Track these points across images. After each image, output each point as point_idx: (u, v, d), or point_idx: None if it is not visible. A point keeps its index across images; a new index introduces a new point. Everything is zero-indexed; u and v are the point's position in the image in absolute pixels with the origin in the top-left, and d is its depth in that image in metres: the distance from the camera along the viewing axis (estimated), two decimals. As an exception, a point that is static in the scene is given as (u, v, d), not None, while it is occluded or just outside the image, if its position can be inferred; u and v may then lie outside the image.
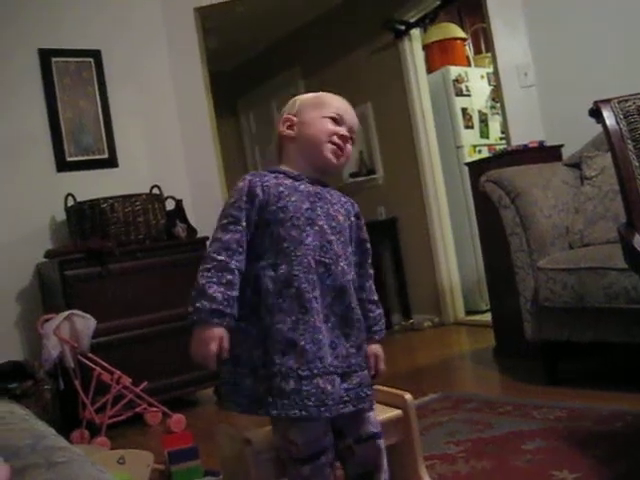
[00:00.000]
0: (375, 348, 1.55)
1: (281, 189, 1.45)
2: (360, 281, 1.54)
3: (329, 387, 1.37)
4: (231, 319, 1.35)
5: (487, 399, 2.61)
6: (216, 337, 1.34)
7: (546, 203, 2.78)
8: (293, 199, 1.44)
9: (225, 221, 1.42)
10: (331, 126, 1.50)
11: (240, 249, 1.39)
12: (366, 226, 1.61)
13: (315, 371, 1.36)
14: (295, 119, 1.54)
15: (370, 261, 1.59)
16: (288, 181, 1.48)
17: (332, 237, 1.44)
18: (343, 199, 1.56)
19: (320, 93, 1.60)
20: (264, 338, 1.38)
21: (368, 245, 1.59)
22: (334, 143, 1.50)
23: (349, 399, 1.41)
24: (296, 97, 1.62)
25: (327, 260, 1.42)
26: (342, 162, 1.52)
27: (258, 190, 1.44)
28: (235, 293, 1.36)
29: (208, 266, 1.37)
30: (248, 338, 1.40)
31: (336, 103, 1.55)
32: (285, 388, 1.34)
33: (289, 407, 1.34)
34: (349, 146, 1.53)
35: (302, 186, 1.48)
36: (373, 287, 1.58)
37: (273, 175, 1.49)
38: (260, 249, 1.42)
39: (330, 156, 1.50)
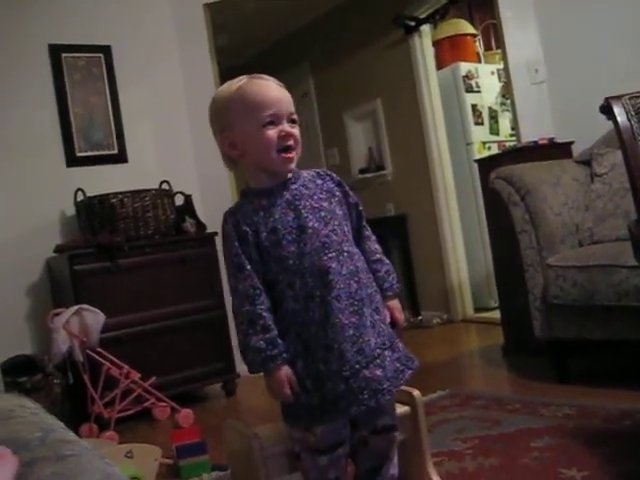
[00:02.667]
0: (391, 303, 1.54)
1: (262, 213, 1.42)
2: (360, 246, 1.52)
3: (379, 372, 1.39)
4: (281, 355, 1.38)
5: (495, 396, 2.60)
6: (282, 378, 1.38)
7: (556, 200, 2.77)
8: (277, 216, 1.41)
9: (233, 271, 1.43)
10: (272, 133, 1.40)
11: (258, 291, 1.39)
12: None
13: (357, 366, 1.37)
14: (232, 136, 1.44)
15: (365, 223, 1.56)
16: (263, 201, 1.43)
17: (326, 230, 1.42)
18: (319, 181, 1.50)
19: (240, 87, 1.44)
20: (302, 352, 1.40)
21: (360, 208, 1.55)
22: (282, 148, 1.41)
23: (404, 366, 1.45)
24: (214, 103, 1.48)
25: (333, 253, 1.41)
26: (296, 154, 1.45)
27: (244, 227, 1.41)
28: (274, 333, 1.38)
29: (240, 321, 1.41)
30: (289, 356, 1.41)
31: (265, 97, 1.41)
32: (337, 392, 1.37)
33: (347, 408, 1.37)
34: (295, 131, 1.44)
35: (277, 199, 1.43)
36: (375, 246, 1.55)
37: (247, 200, 1.46)
38: (271, 274, 1.42)
39: (284, 165, 1.43)
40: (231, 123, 1.44)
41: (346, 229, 1.47)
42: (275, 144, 1.40)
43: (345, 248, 1.44)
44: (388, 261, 1.56)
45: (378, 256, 1.54)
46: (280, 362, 1.37)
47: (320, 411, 1.38)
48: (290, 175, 1.47)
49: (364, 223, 1.56)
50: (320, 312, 1.38)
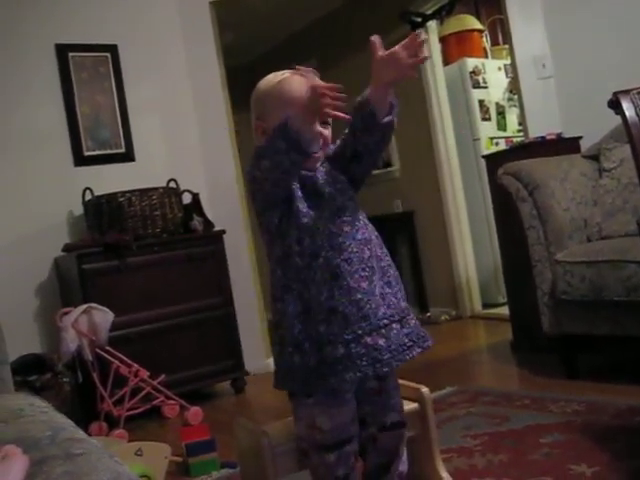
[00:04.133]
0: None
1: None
2: (341, 143, 1.50)
3: (381, 341, 1.37)
4: None
5: (504, 392, 2.60)
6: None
7: (564, 196, 2.76)
8: (296, 181, 1.42)
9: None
10: None
11: None
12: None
13: (360, 332, 1.36)
14: (264, 125, 1.46)
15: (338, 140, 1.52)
16: None
17: (342, 198, 1.44)
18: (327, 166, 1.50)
19: (281, 80, 1.46)
20: (302, 312, 1.39)
21: (336, 145, 1.52)
22: None
23: (414, 342, 1.42)
24: (256, 90, 1.51)
25: (349, 218, 1.42)
26: (324, 154, 1.47)
27: None
28: None
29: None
30: (286, 316, 1.40)
31: (300, 94, 1.39)
32: (336, 354, 1.35)
33: (344, 371, 1.34)
34: (326, 132, 1.46)
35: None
36: None
37: None
38: (285, 226, 1.42)
39: (311, 164, 1.44)
40: (266, 113, 1.47)
41: (356, 207, 1.47)
42: None
43: (360, 217, 1.45)
44: None
45: None
46: None
47: (315, 375, 1.36)
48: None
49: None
50: (324, 273, 1.37)
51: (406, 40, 1.38)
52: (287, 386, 1.43)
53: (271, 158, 1.34)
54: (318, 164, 1.47)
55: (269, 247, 1.47)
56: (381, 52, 1.39)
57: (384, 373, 1.40)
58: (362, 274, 1.38)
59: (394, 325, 1.40)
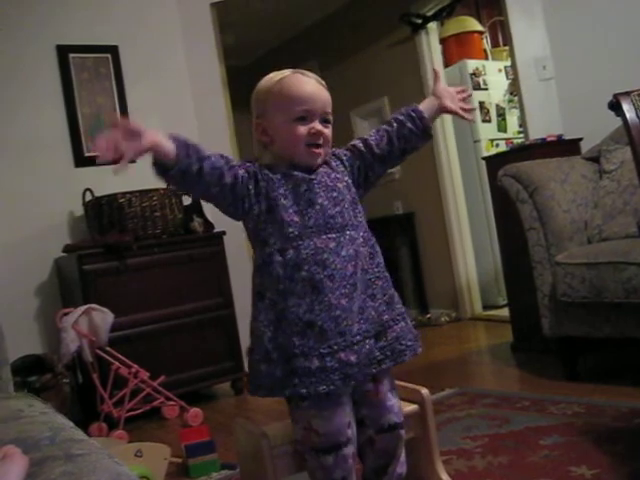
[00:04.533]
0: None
1: (278, 176, 1.43)
2: (372, 139, 1.55)
3: (352, 358, 1.38)
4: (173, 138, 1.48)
5: (504, 394, 2.60)
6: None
7: (564, 197, 2.76)
8: (290, 186, 1.43)
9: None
10: (303, 129, 1.43)
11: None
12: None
13: (336, 347, 1.37)
14: (265, 123, 1.47)
15: (358, 138, 1.57)
16: (282, 168, 1.45)
17: (334, 210, 1.43)
18: (334, 163, 1.51)
19: (281, 79, 1.47)
20: (274, 322, 1.40)
21: (356, 142, 1.56)
22: (309, 144, 1.44)
23: (386, 356, 1.44)
24: (257, 89, 1.51)
25: (334, 235, 1.42)
26: (325, 152, 1.47)
27: (260, 176, 1.44)
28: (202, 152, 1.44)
29: None
30: (256, 324, 1.43)
31: (301, 92, 1.44)
32: (310, 367, 1.36)
33: (317, 384, 1.36)
34: (328, 132, 1.47)
35: (295, 171, 1.44)
36: (381, 127, 1.58)
37: (265, 167, 1.47)
38: (264, 234, 1.43)
39: (310, 159, 1.45)
40: (266, 112, 1.47)
41: (352, 213, 1.47)
42: (304, 140, 1.43)
43: (348, 232, 1.44)
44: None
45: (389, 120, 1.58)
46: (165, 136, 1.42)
47: (282, 384, 1.38)
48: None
49: (367, 136, 1.57)
50: (305, 286, 1.38)
51: (459, 87, 1.64)
52: (256, 392, 1.44)
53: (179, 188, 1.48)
54: (318, 160, 1.46)
55: (253, 251, 1.50)
56: (443, 83, 1.62)
57: (350, 385, 1.41)
58: (343, 291, 1.40)
59: (367, 340, 1.41)
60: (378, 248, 1.51)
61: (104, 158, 1.34)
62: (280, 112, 1.44)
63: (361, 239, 1.47)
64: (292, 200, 1.42)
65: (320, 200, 1.43)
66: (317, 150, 1.45)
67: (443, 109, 1.60)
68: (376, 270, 1.47)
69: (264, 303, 1.42)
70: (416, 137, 1.56)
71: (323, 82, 1.51)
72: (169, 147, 1.41)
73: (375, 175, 1.57)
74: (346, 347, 1.38)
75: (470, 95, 1.65)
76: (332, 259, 1.40)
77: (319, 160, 1.47)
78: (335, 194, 1.45)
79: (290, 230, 1.40)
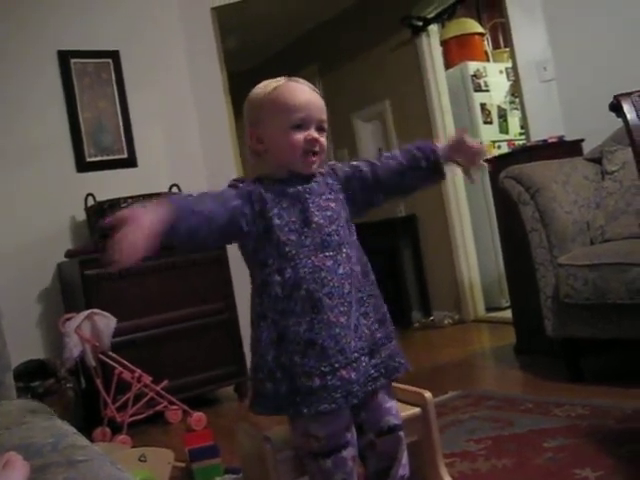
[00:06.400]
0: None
1: (272, 195, 1.42)
2: (381, 167, 1.52)
3: (353, 375, 1.39)
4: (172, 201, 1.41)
5: (508, 397, 2.59)
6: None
7: (566, 199, 2.75)
8: (285, 205, 1.42)
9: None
10: (298, 136, 1.42)
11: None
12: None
13: (337, 365, 1.38)
14: (259, 132, 1.47)
15: (365, 160, 1.55)
16: (276, 186, 1.44)
17: (330, 228, 1.44)
18: (330, 180, 1.50)
19: (276, 87, 1.46)
20: (276, 341, 1.40)
21: (357, 163, 1.55)
22: (306, 152, 1.44)
23: (380, 374, 1.45)
24: (250, 97, 1.50)
25: (331, 253, 1.42)
26: (319, 160, 1.47)
27: (254, 197, 1.42)
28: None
29: None
30: (259, 344, 1.43)
31: (297, 100, 1.43)
32: (312, 385, 1.37)
33: (318, 402, 1.36)
34: (322, 139, 1.46)
35: (289, 188, 1.44)
36: (391, 153, 1.56)
37: (260, 183, 1.45)
38: (262, 255, 1.43)
39: (306, 167, 1.46)
40: (261, 120, 1.47)
41: (348, 232, 1.48)
42: (300, 147, 1.43)
43: (344, 249, 1.45)
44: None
45: (404, 149, 1.55)
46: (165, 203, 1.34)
47: (287, 402, 1.39)
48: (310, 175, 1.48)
49: (366, 161, 1.55)
50: (304, 305, 1.39)
51: (476, 146, 1.54)
52: (262, 411, 1.45)
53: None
54: (314, 167, 1.46)
55: (250, 273, 1.49)
56: (469, 139, 1.53)
57: (353, 404, 1.41)
58: (341, 309, 1.40)
59: (362, 358, 1.42)
60: (370, 267, 1.51)
61: (126, 262, 1.22)
62: (276, 120, 1.44)
63: (355, 257, 1.47)
64: (287, 219, 1.42)
65: (316, 219, 1.43)
66: (313, 158, 1.45)
67: (454, 160, 1.56)
68: (369, 288, 1.48)
69: (267, 322, 1.42)
70: (427, 178, 1.54)
71: (317, 90, 1.51)
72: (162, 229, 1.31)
73: (369, 203, 1.55)
74: (347, 364, 1.39)
75: (484, 151, 1.58)
76: (330, 277, 1.40)
77: (314, 167, 1.47)
78: (329, 213, 1.45)
79: (287, 250, 1.40)
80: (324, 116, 1.48)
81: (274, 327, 1.41)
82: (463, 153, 1.54)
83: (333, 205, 1.47)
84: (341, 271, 1.42)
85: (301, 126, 1.43)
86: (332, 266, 1.41)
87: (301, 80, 1.50)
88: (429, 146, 1.54)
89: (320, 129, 1.46)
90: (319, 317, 1.39)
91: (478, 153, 1.54)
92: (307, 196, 1.44)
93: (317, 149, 1.45)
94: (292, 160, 1.45)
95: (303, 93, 1.46)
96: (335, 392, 1.37)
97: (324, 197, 1.47)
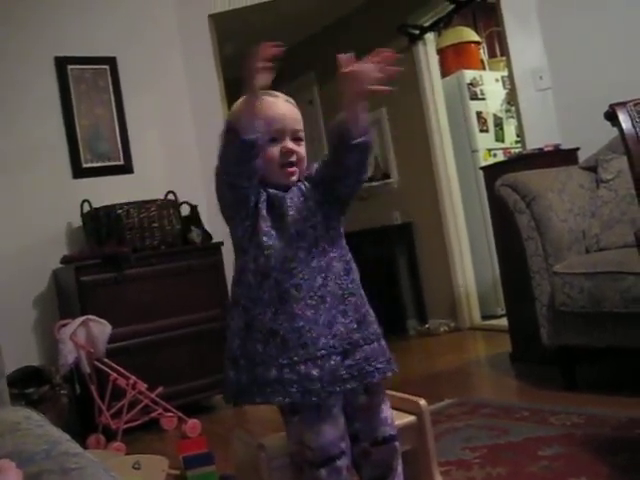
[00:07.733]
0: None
1: (260, 189, 1.45)
2: (326, 161, 1.49)
3: (314, 371, 1.37)
4: None
5: (503, 405, 2.59)
6: None
7: (562, 207, 2.76)
8: (262, 199, 1.44)
9: None
10: (275, 150, 1.44)
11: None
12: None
13: (296, 358, 1.37)
14: None
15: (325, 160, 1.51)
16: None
17: (305, 224, 1.44)
18: (304, 186, 1.49)
19: None
20: (243, 329, 1.42)
21: (318, 165, 1.51)
22: (284, 164, 1.45)
23: (352, 376, 1.41)
24: (230, 113, 1.50)
25: (305, 244, 1.43)
26: (300, 170, 1.48)
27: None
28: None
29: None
30: (229, 330, 1.45)
31: (269, 115, 1.43)
32: (268, 377, 1.37)
33: (272, 395, 1.37)
34: (301, 149, 1.48)
35: (269, 189, 1.46)
36: None
37: None
38: (246, 243, 1.45)
39: (285, 179, 1.47)
40: None
41: (325, 228, 1.46)
42: (277, 160, 1.45)
43: (321, 243, 1.45)
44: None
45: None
46: None
47: (246, 392, 1.40)
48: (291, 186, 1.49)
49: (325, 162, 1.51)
50: (272, 294, 1.40)
51: (371, 55, 1.44)
52: (225, 399, 1.47)
53: (221, 156, 1.38)
54: (293, 178, 1.47)
55: (235, 261, 1.51)
56: (346, 68, 1.43)
57: (312, 401, 1.38)
58: (309, 302, 1.40)
59: (333, 357, 1.39)
60: (354, 265, 1.50)
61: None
62: None
63: (336, 254, 1.47)
64: (264, 209, 1.43)
65: (291, 213, 1.44)
66: (291, 169, 1.46)
67: (349, 101, 1.49)
68: (350, 286, 1.46)
69: (238, 310, 1.44)
70: (349, 150, 1.43)
71: (292, 100, 1.52)
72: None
73: (342, 195, 1.50)
74: (307, 360, 1.37)
75: (389, 54, 1.46)
76: (300, 269, 1.41)
77: (294, 178, 1.48)
78: (305, 212, 1.45)
79: (264, 239, 1.42)
80: (299, 126, 1.49)
81: (244, 315, 1.42)
82: (355, 83, 1.49)
83: (310, 204, 1.47)
84: (314, 264, 1.42)
85: (276, 139, 1.45)
86: (305, 258, 1.41)
87: (275, 93, 1.50)
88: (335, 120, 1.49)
89: (296, 139, 1.48)
90: (284, 308, 1.39)
91: (354, 77, 1.48)
92: (283, 197, 1.46)
93: (294, 159, 1.46)
94: (270, 174, 1.46)
95: (275, 107, 1.47)
96: (290, 386, 1.36)
97: (302, 199, 1.48)
